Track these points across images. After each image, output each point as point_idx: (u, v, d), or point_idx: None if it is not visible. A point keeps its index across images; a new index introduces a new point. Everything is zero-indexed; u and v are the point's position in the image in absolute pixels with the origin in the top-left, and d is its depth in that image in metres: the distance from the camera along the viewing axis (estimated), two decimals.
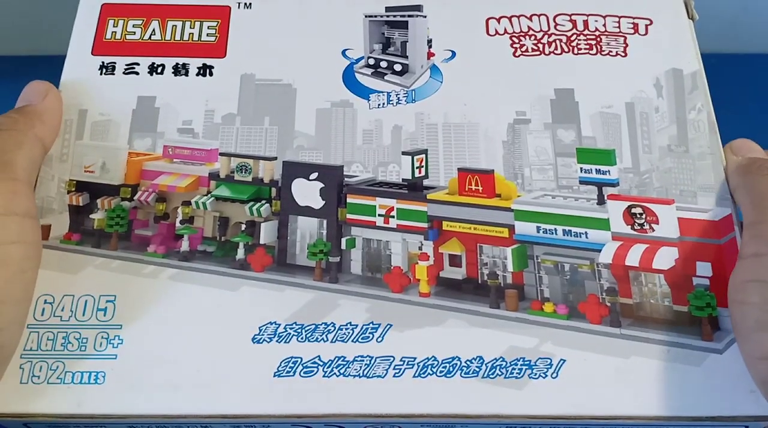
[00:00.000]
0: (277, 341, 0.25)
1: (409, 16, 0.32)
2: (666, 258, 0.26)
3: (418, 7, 0.32)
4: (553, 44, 0.31)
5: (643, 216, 0.27)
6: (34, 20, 0.41)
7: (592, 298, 0.26)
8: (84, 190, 0.28)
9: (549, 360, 0.25)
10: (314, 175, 0.28)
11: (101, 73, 0.30)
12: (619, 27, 0.31)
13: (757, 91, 0.54)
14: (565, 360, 0.25)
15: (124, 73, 0.30)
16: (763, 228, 0.24)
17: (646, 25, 0.31)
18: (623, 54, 0.31)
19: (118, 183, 0.28)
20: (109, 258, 0.27)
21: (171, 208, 0.28)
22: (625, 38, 0.31)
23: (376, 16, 0.32)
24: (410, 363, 0.25)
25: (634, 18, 0.31)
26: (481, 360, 0.25)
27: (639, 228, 0.27)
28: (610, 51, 0.31)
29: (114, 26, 0.31)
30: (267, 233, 0.27)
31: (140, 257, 0.26)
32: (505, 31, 0.31)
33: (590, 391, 0.24)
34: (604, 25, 0.31)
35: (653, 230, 0.27)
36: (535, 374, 0.24)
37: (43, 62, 0.33)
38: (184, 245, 0.27)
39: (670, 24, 0.31)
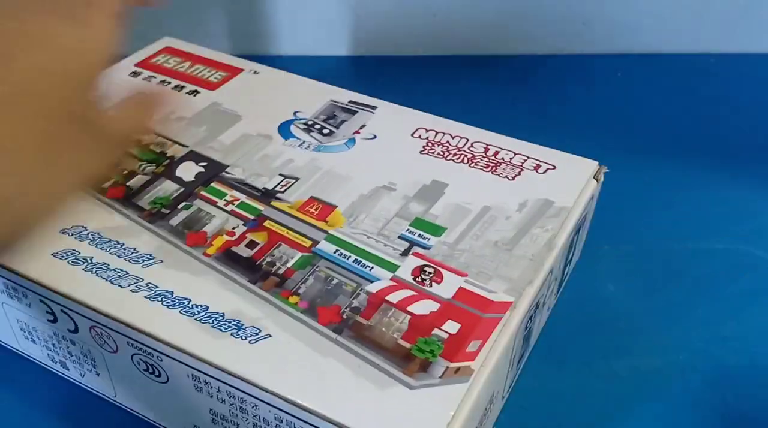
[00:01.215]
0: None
1: (362, 109, 0.38)
2: (423, 307, 0.27)
3: (373, 107, 0.38)
4: (457, 156, 0.35)
5: (431, 275, 0.28)
6: None
7: (334, 307, 0.26)
8: None
9: (257, 330, 0.25)
10: (203, 163, 0.34)
11: None
12: (522, 164, 0.34)
13: (757, 91, 0.51)
14: (270, 335, 0.25)
15: None
16: None
17: (548, 169, 0.34)
18: (511, 179, 0.33)
19: None
20: None
21: None
22: (521, 171, 0.34)
23: (339, 102, 0.38)
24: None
25: (541, 162, 0.34)
26: (205, 308, 0.26)
27: (421, 281, 0.28)
28: (501, 173, 0.33)
29: None
30: (136, 181, 0.33)
31: None
32: (426, 138, 0.36)
33: (276, 365, 0.24)
34: (511, 159, 0.34)
35: (431, 286, 0.27)
36: (239, 335, 0.25)
37: None
38: None
39: (570, 174, 0.33)
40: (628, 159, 0.45)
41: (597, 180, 0.33)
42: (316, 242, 0.29)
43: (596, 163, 0.34)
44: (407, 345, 0.25)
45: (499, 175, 0.33)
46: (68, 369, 0.30)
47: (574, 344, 0.34)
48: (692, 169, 0.45)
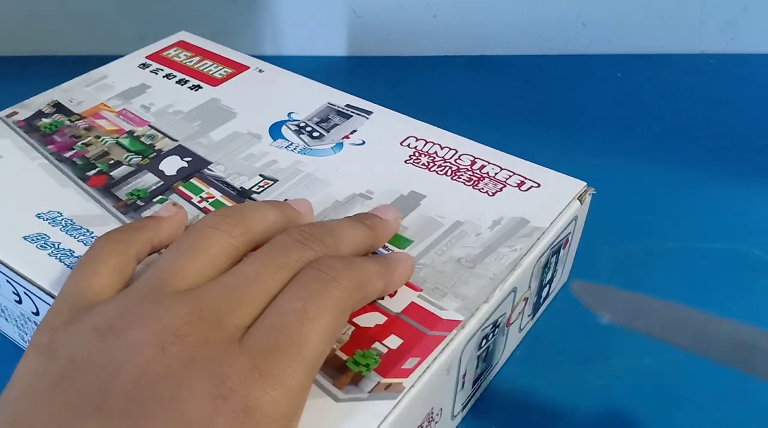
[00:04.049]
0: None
1: (357, 113, 0.38)
2: (369, 319, 0.26)
3: (369, 112, 0.38)
4: (442, 167, 0.34)
5: None
6: (34, 20, 0.44)
7: None
8: None
9: None
10: (188, 158, 0.34)
11: None
12: (506, 180, 0.33)
13: (757, 91, 0.51)
14: None
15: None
16: None
17: (531, 186, 0.33)
18: (491, 195, 0.32)
19: None
20: None
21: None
22: (504, 187, 0.33)
23: (335, 105, 0.39)
24: None
25: (526, 178, 0.33)
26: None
27: None
28: (483, 188, 0.33)
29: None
30: (119, 171, 0.33)
31: None
32: (414, 147, 0.35)
33: None
34: (496, 174, 0.34)
35: (383, 299, 0.27)
36: None
37: (43, 62, 0.41)
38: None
39: (554, 193, 0.32)
40: (628, 159, 0.46)
41: (581, 201, 0.32)
42: None
43: (584, 183, 0.33)
44: (344, 357, 0.25)
45: (480, 189, 0.33)
46: None
47: (573, 343, 0.34)
48: (692, 168, 0.45)
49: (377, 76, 0.56)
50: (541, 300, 0.34)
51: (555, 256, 0.32)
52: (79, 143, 0.35)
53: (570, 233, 0.33)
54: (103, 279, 0.24)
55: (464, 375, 0.27)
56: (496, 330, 0.29)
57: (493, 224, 0.31)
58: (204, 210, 0.31)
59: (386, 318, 0.26)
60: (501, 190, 0.32)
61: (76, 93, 0.39)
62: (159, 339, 0.21)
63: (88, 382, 0.20)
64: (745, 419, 0.30)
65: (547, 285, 0.34)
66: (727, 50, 0.57)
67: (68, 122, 0.37)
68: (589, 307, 0.26)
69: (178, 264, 0.23)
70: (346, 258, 0.25)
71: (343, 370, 0.24)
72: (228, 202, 0.32)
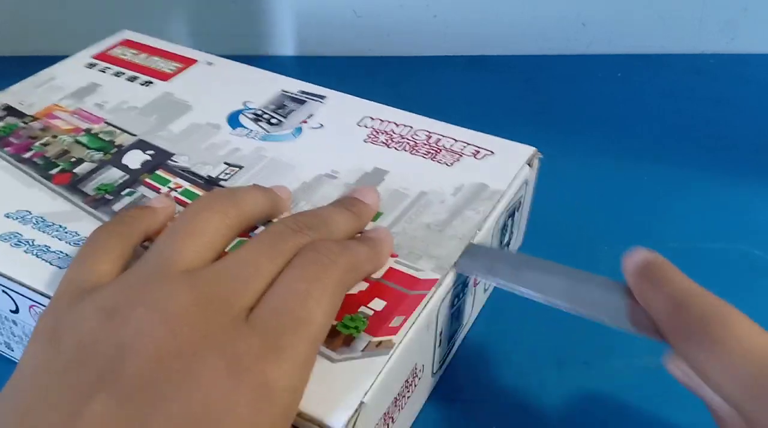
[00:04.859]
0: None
1: (311, 99, 0.39)
2: (353, 287, 0.27)
3: (322, 97, 0.39)
4: (400, 144, 0.36)
5: None
6: (33, 20, 0.45)
7: None
8: None
9: None
10: (150, 151, 0.35)
11: None
12: (462, 150, 0.35)
13: (757, 91, 0.51)
14: None
15: None
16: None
17: (485, 154, 0.35)
18: (449, 165, 0.34)
19: None
20: None
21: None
22: (460, 157, 0.35)
23: (289, 92, 0.39)
24: None
25: (480, 148, 0.35)
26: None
27: None
28: (441, 160, 0.34)
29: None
30: (83, 168, 0.34)
31: None
32: (371, 127, 0.37)
33: None
34: (451, 146, 0.35)
35: None
36: None
37: (43, 62, 0.41)
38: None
39: (507, 160, 0.34)
40: (627, 159, 0.46)
41: (531, 165, 0.34)
42: (255, 228, 0.30)
43: (533, 148, 0.35)
44: (334, 323, 0.26)
45: (438, 161, 0.34)
46: (13, 350, 0.31)
47: (573, 343, 0.34)
48: (691, 169, 0.45)
49: (377, 76, 0.55)
50: None
51: (510, 219, 0.34)
52: (37, 143, 0.35)
53: (522, 196, 0.35)
54: (106, 265, 0.24)
55: (441, 333, 0.29)
56: (465, 288, 0.31)
57: (455, 191, 0.32)
58: (174, 200, 0.32)
59: (368, 285, 0.28)
60: (458, 160, 0.34)
61: (25, 95, 0.39)
62: (166, 318, 0.21)
63: (97, 361, 0.21)
64: None
65: (506, 247, 0.36)
66: (727, 50, 0.56)
67: (22, 124, 0.36)
68: (464, 272, 0.28)
69: (178, 246, 0.24)
70: (341, 242, 0.26)
71: (335, 334, 0.25)
72: (197, 191, 0.32)
